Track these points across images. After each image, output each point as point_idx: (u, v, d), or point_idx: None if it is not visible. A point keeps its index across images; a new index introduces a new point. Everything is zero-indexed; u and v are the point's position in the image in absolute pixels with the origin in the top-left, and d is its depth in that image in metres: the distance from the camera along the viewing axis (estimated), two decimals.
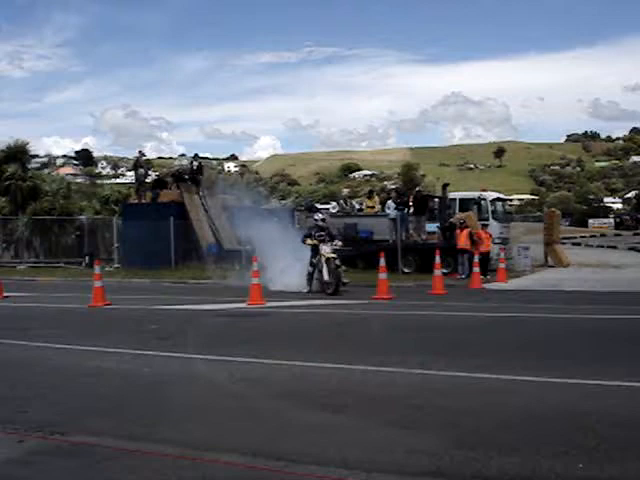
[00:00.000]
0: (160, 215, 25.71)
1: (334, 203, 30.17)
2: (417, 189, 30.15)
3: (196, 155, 31.52)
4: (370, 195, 29.99)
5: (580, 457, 4.76)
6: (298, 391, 7.05)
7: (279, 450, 5.03)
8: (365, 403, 6.50)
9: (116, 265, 27.73)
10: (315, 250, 17.78)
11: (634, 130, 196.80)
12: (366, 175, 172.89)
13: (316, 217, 19.11)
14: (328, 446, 5.19)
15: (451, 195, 26.95)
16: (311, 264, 17.95)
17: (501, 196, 29.43)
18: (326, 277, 17.41)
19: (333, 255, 17.54)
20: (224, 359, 8.72)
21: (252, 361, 8.61)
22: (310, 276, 17.99)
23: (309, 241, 17.87)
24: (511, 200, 78.27)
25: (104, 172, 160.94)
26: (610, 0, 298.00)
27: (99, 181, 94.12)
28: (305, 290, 17.86)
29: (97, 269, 16.29)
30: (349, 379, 7.65)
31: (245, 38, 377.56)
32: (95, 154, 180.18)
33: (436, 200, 27.51)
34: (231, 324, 12.82)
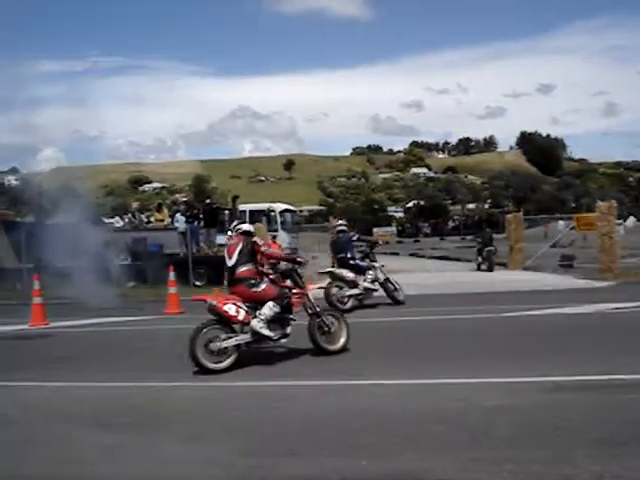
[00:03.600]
0: None
1: (117, 217, 29.14)
2: (207, 201, 30.05)
3: None
4: (159, 208, 29.35)
5: (363, 455, 4.96)
6: (80, 414, 6.71)
7: (64, 476, 4.85)
8: (150, 420, 6.36)
9: None
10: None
11: (413, 143, 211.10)
12: (156, 188, 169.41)
13: (340, 223, 16.71)
14: (116, 465, 5.06)
15: (241, 207, 27.34)
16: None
17: (289, 207, 30.27)
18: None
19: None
20: None
21: (29, 385, 8.14)
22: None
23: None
24: (301, 211, 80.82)
25: None
26: (385, 23, 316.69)
27: None
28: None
29: None
30: (131, 397, 7.44)
31: (28, 45, 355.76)
32: None
33: (226, 212, 27.65)
34: (8, 347, 11.97)
